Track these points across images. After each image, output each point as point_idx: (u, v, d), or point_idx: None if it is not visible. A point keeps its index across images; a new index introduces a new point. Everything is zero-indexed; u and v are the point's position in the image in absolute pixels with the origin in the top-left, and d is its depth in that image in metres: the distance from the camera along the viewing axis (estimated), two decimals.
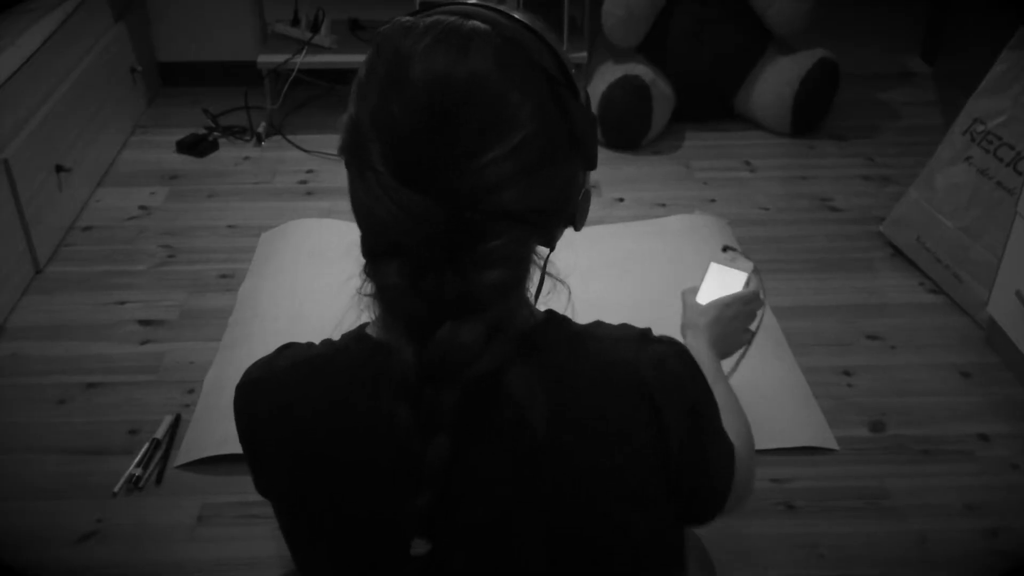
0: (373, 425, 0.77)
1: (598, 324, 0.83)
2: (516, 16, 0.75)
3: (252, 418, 0.84)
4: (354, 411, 0.78)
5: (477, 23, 0.72)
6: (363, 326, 0.83)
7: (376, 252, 0.75)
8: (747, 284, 1.54)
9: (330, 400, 0.80)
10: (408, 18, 0.75)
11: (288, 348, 0.87)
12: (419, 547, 0.74)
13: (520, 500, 0.77)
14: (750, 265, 1.57)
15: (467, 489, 0.76)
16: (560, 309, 0.84)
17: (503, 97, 0.71)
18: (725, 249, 1.61)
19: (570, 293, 0.83)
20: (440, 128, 0.70)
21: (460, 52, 0.70)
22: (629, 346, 0.80)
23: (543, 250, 0.80)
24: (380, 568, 0.81)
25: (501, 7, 0.75)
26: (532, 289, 0.81)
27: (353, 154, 0.75)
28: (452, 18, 0.73)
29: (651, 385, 0.78)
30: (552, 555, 0.79)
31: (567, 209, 0.79)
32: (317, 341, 0.87)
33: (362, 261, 0.79)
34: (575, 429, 0.77)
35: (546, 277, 0.80)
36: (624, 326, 0.84)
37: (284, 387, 0.82)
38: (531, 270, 0.79)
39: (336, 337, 0.85)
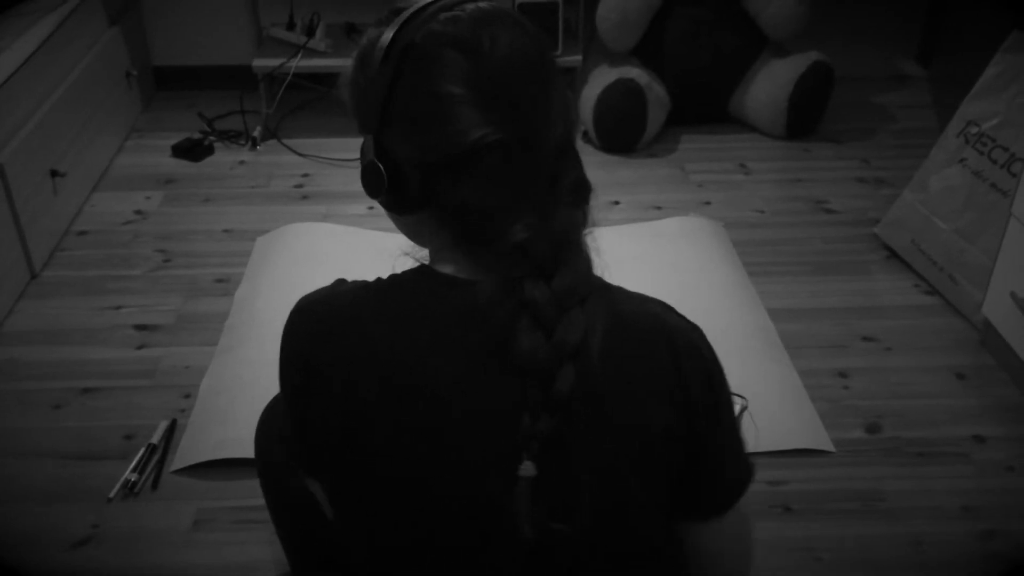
0: (487, 354, 0.82)
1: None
2: None
3: (319, 334, 0.85)
4: (459, 339, 0.83)
5: (500, 6, 0.85)
6: (421, 267, 0.87)
7: (491, 226, 0.81)
8: (742, 413, 1.68)
9: (423, 325, 0.84)
10: (446, 13, 0.83)
11: (342, 281, 0.90)
12: (528, 469, 0.79)
13: (585, 422, 0.82)
14: (744, 401, 1.70)
15: (567, 416, 0.81)
16: None
17: (553, 61, 0.86)
18: None
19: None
20: (539, 92, 0.83)
21: (523, 29, 0.84)
22: (655, 305, 0.90)
23: None
24: (474, 491, 0.83)
25: None
26: None
27: (465, 145, 0.80)
28: (483, 3, 0.85)
29: (676, 342, 0.87)
30: (600, 485, 0.84)
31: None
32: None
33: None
34: (619, 358, 0.84)
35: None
36: (646, 295, 0.92)
37: (364, 304, 0.86)
38: None
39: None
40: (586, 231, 0.85)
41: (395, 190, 0.85)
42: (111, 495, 1.65)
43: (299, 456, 0.96)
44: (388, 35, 0.83)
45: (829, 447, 1.75)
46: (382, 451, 0.84)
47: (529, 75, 0.83)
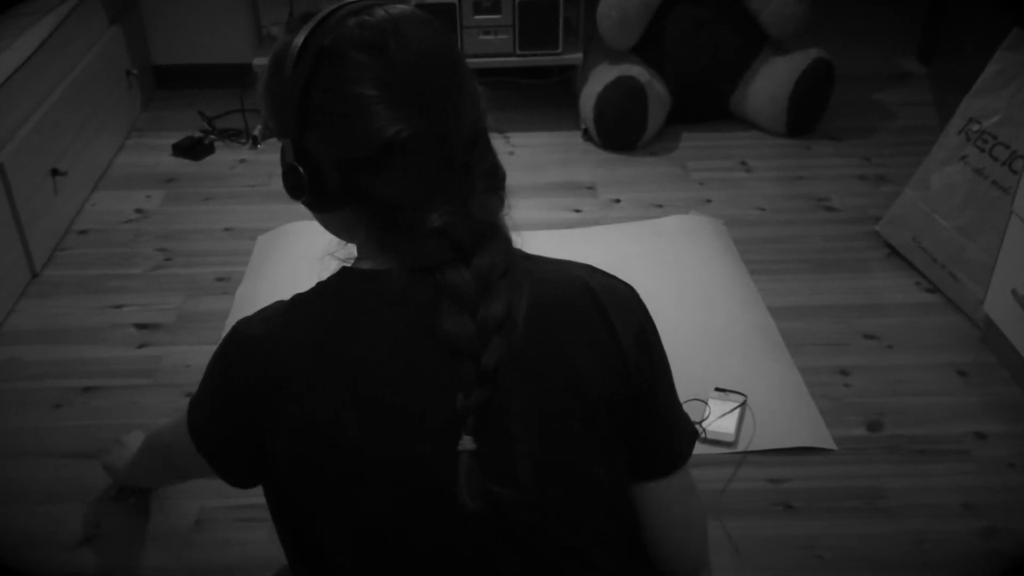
0: (412, 336, 0.85)
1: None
2: None
3: (258, 373, 0.87)
4: (385, 327, 0.86)
5: (401, 6, 0.90)
6: (342, 269, 0.92)
7: (410, 215, 0.86)
8: (743, 409, 1.77)
9: (358, 319, 0.87)
10: (355, 17, 0.88)
11: (280, 301, 0.95)
12: (467, 443, 0.82)
13: (519, 391, 0.86)
14: (742, 397, 1.78)
15: (499, 385, 0.85)
16: None
17: (460, 52, 0.91)
18: (718, 389, 1.81)
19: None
20: (447, 88, 0.87)
21: (431, 24, 0.89)
22: (580, 269, 0.94)
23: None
24: (422, 468, 0.85)
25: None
26: None
27: (384, 140, 0.84)
28: (389, 6, 0.89)
29: (600, 298, 0.91)
30: (541, 447, 0.87)
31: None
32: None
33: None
34: (546, 325, 0.88)
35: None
36: (576, 261, 0.97)
37: (294, 325, 0.90)
38: None
39: None
40: (503, 212, 0.90)
41: (315, 190, 0.89)
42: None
43: (234, 475, 0.96)
44: (299, 40, 0.88)
45: (830, 445, 1.75)
46: (330, 450, 0.86)
47: (437, 72, 0.86)
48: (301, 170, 0.88)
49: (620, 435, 0.92)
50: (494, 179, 0.90)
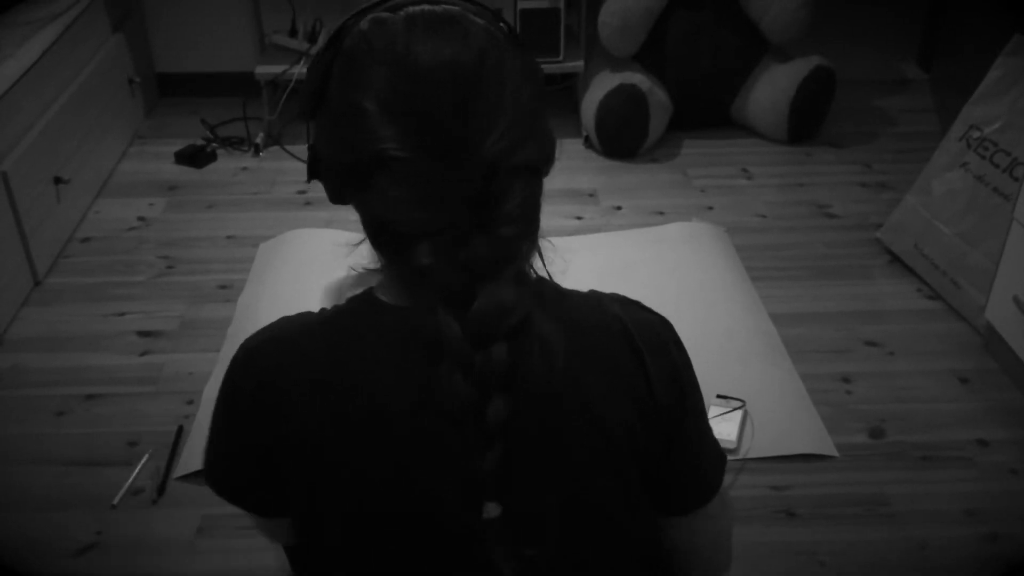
0: (421, 395, 0.77)
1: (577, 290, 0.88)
2: None
3: (266, 384, 0.81)
4: (391, 376, 0.79)
5: (450, 7, 0.78)
6: (369, 290, 0.83)
7: (400, 240, 0.76)
8: (744, 416, 1.77)
9: (361, 362, 0.80)
10: (382, 13, 0.78)
11: (288, 317, 0.86)
12: (491, 510, 0.75)
13: (545, 445, 0.80)
14: (741, 402, 1.79)
15: (520, 443, 0.77)
16: None
17: (501, 69, 0.76)
18: (719, 396, 1.82)
19: (542, 258, 0.86)
20: (460, 106, 0.74)
21: (460, 35, 0.76)
22: (615, 305, 0.86)
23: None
24: (442, 540, 0.80)
25: None
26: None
27: (370, 152, 0.75)
28: (425, 7, 0.78)
29: (636, 341, 0.83)
30: (567, 502, 0.81)
31: (553, 155, 0.83)
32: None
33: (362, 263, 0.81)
34: (579, 372, 0.81)
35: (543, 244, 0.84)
36: (610, 294, 0.89)
37: (301, 346, 0.82)
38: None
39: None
40: (522, 263, 0.78)
41: (324, 180, 0.83)
42: (115, 502, 1.65)
43: (256, 504, 0.94)
44: (338, 24, 0.80)
45: (832, 452, 1.75)
46: (347, 489, 0.81)
47: (447, 88, 0.74)
48: (314, 155, 0.82)
49: (650, 477, 0.87)
50: (517, 223, 0.76)
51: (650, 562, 0.92)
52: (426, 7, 0.77)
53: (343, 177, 0.80)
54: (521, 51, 0.80)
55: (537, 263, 0.83)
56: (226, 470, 0.91)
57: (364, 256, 0.84)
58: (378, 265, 0.83)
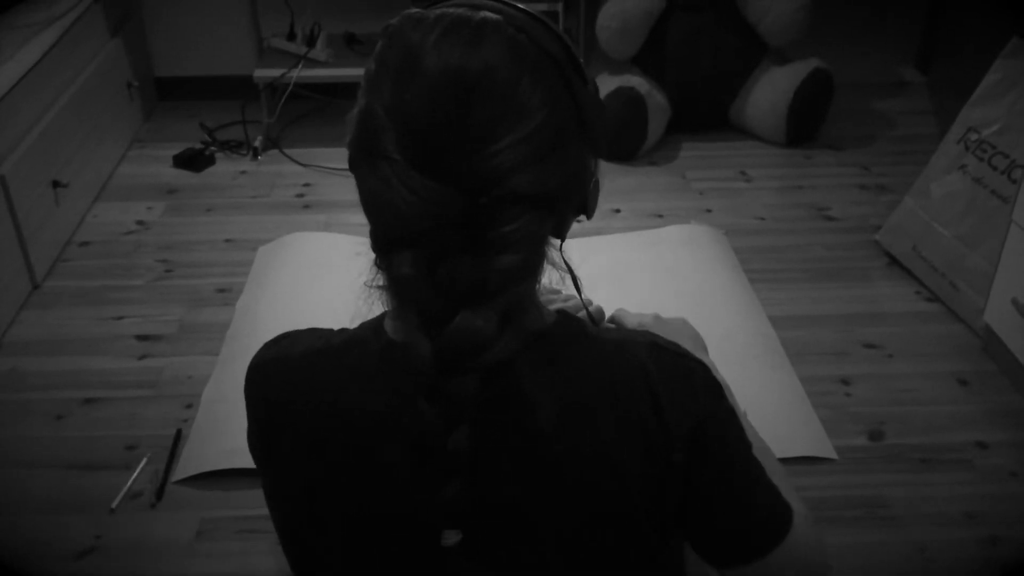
0: (393, 420, 0.78)
1: (612, 328, 0.85)
2: (522, 7, 0.76)
3: (267, 401, 0.84)
4: (373, 405, 0.79)
5: (487, 13, 0.73)
6: (382, 316, 0.83)
7: (388, 243, 0.74)
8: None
9: (347, 393, 0.80)
10: (418, 10, 0.76)
11: (301, 334, 0.87)
12: (450, 538, 0.74)
13: (533, 492, 0.78)
14: (741, 407, 1.60)
15: (488, 478, 0.76)
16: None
17: (515, 84, 0.71)
18: None
19: (578, 285, 0.85)
20: (456, 116, 0.70)
21: (472, 42, 0.72)
22: (641, 350, 0.81)
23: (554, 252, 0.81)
24: (405, 562, 0.81)
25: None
26: (542, 286, 0.81)
27: (365, 145, 0.74)
28: (461, 9, 0.74)
29: (658, 391, 0.79)
30: (563, 551, 0.80)
31: (577, 195, 0.79)
32: None
33: (363, 266, 0.80)
34: (581, 429, 0.77)
35: (558, 269, 0.81)
36: (641, 331, 0.85)
37: (300, 373, 0.83)
38: (543, 266, 0.79)
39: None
40: (511, 299, 0.72)
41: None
42: (113, 506, 1.65)
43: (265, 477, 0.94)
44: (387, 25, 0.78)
45: (832, 454, 1.75)
46: (331, 517, 0.82)
47: (449, 95, 0.70)
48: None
49: (689, 528, 0.85)
50: (509, 255, 0.71)
51: None
52: (463, 10, 0.74)
53: (355, 164, 0.77)
54: (569, 78, 0.75)
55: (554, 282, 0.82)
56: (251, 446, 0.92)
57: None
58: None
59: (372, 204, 0.75)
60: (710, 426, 0.81)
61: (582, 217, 0.82)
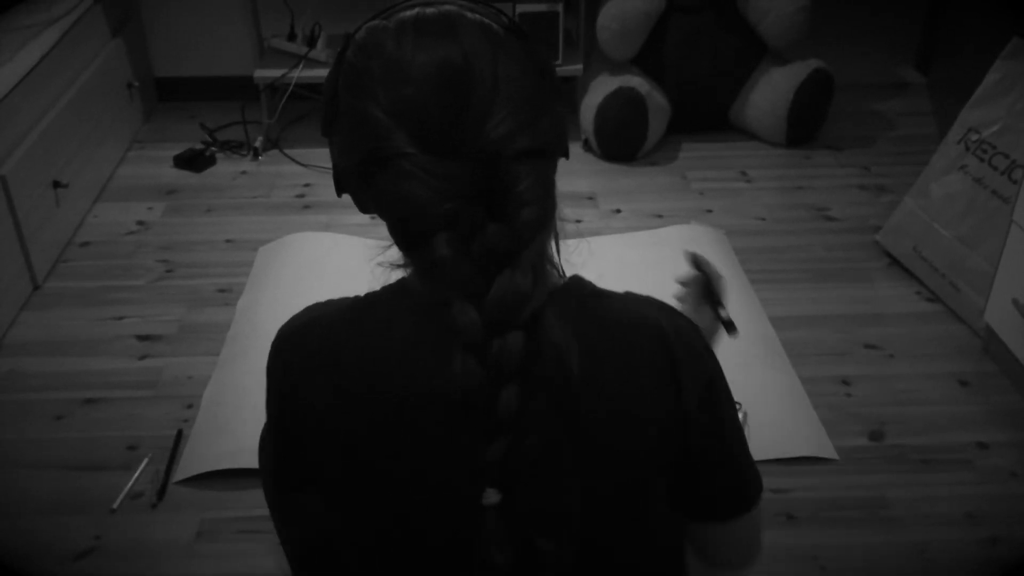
0: (433, 383, 0.80)
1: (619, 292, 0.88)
2: None
3: (301, 363, 0.85)
4: (414, 365, 0.81)
5: (443, 7, 0.81)
6: (401, 280, 0.85)
7: (419, 234, 0.78)
8: (743, 418, 1.68)
9: (387, 351, 0.82)
10: (375, 21, 0.82)
11: (325, 303, 0.89)
12: (491, 497, 0.76)
13: (564, 443, 0.81)
14: (743, 408, 1.69)
15: (527, 433, 0.78)
16: None
17: (495, 62, 0.79)
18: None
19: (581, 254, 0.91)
20: (458, 100, 0.77)
21: (448, 35, 0.79)
22: (652, 308, 0.86)
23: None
24: (440, 519, 0.83)
25: None
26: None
27: (372, 153, 0.79)
28: (417, 10, 0.81)
29: (673, 347, 0.83)
30: (588, 499, 0.82)
31: (562, 141, 0.86)
32: None
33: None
34: (605, 374, 0.81)
35: (565, 238, 0.88)
36: (647, 296, 0.89)
37: (335, 332, 0.85)
38: (555, 221, 0.86)
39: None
40: (539, 249, 0.80)
41: (350, 191, 0.86)
42: (114, 506, 1.65)
43: (284, 482, 0.96)
44: (352, 33, 0.84)
45: (832, 455, 1.75)
46: (360, 479, 0.84)
47: (442, 84, 0.77)
48: (337, 170, 0.86)
49: (683, 484, 0.89)
50: (530, 207, 0.79)
51: (669, 563, 0.93)
52: (419, 9, 0.80)
53: (359, 181, 0.82)
54: (522, 42, 0.82)
55: (562, 256, 0.86)
56: (266, 446, 0.95)
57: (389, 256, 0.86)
58: (402, 262, 0.85)
59: (394, 202, 0.80)
60: (716, 384, 0.87)
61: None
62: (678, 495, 0.90)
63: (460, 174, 0.77)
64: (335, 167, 0.86)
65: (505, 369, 0.75)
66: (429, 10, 0.80)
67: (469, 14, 0.81)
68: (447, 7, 0.81)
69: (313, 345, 0.85)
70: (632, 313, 0.85)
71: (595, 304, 0.85)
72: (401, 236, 0.82)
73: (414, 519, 0.84)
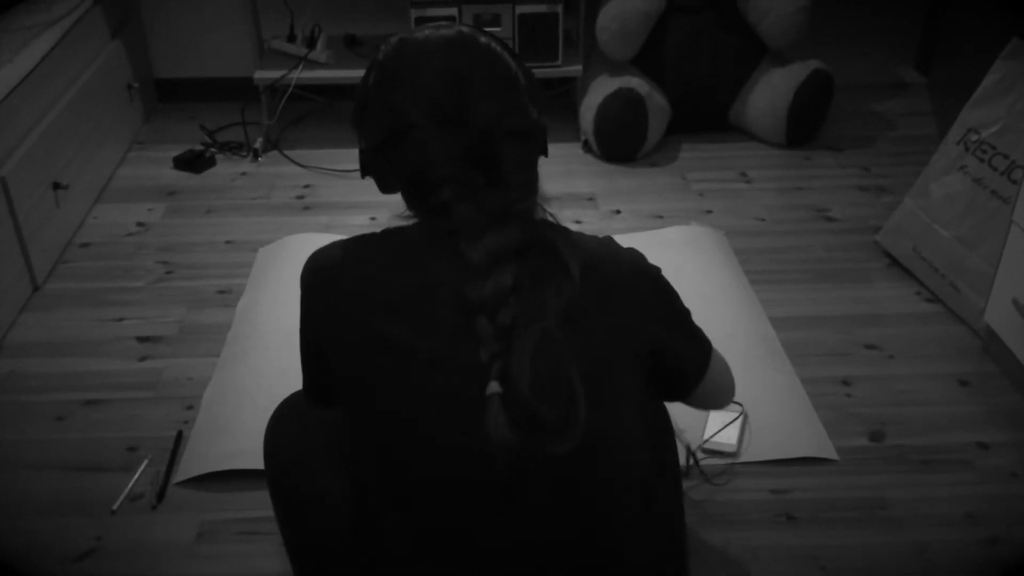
0: (445, 274, 1.00)
1: None
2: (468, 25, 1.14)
3: (330, 276, 1.05)
4: (426, 267, 1.02)
5: (460, 27, 1.07)
6: (414, 225, 1.06)
7: (427, 190, 1.02)
8: (744, 419, 1.77)
9: (405, 260, 1.03)
10: (404, 34, 1.07)
11: (337, 241, 1.09)
12: (493, 387, 0.95)
13: (563, 335, 0.99)
14: (742, 408, 1.79)
15: (528, 338, 0.97)
16: None
17: (492, 66, 1.05)
18: None
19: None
20: (458, 88, 1.02)
21: (459, 45, 1.05)
22: (607, 240, 1.11)
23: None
24: (451, 421, 1.00)
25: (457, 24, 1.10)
26: None
27: (395, 127, 1.03)
28: (443, 30, 1.07)
29: (629, 265, 1.09)
30: (587, 386, 1.00)
31: (541, 136, 1.08)
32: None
33: None
34: (596, 285, 1.04)
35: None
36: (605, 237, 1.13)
37: (356, 247, 1.06)
38: (539, 188, 1.09)
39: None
40: (525, 209, 1.05)
41: (374, 172, 1.09)
42: (114, 507, 1.65)
43: (315, 397, 1.18)
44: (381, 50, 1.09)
45: (832, 455, 1.75)
46: (377, 388, 1.02)
47: (450, 75, 1.03)
48: (364, 156, 1.09)
49: (661, 371, 1.14)
50: (517, 175, 1.04)
51: (646, 449, 1.16)
52: (443, 31, 1.06)
53: (382, 158, 1.05)
54: (515, 58, 1.08)
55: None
56: (307, 369, 1.16)
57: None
58: (405, 215, 1.07)
59: (408, 166, 1.04)
60: (660, 283, 1.13)
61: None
62: (660, 383, 1.16)
63: (462, 142, 1.01)
64: (361, 153, 1.08)
65: (502, 289, 0.97)
66: (446, 31, 1.06)
67: (478, 36, 1.06)
68: (462, 28, 1.07)
69: (340, 256, 1.05)
70: (596, 243, 1.10)
71: (577, 237, 1.08)
72: (415, 190, 1.04)
73: (423, 423, 1.00)
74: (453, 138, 1.01)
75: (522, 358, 0.96)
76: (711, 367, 1.21)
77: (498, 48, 1.07)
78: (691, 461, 1.69)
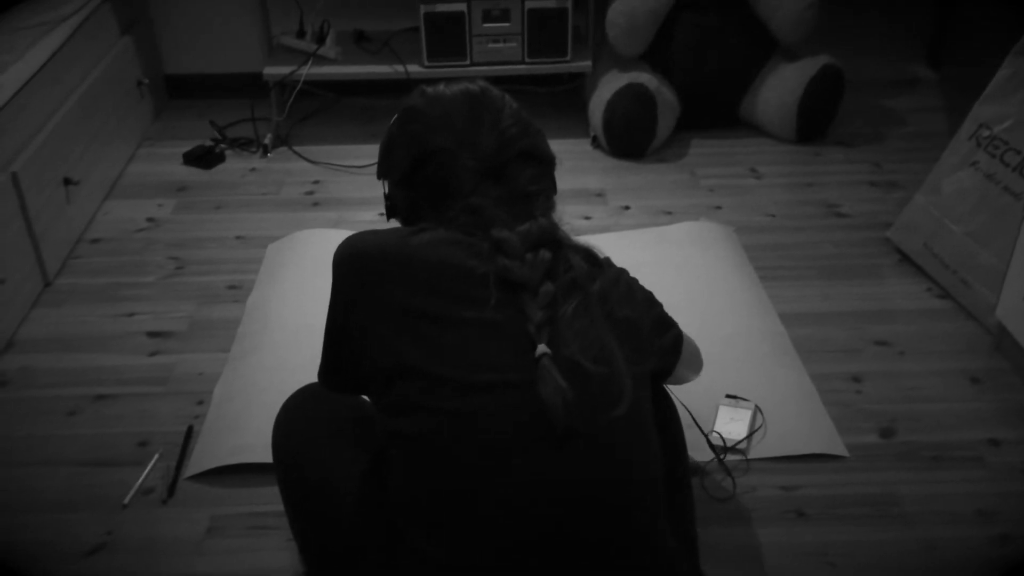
0: (485, 281, 1.10)
1: None
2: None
3: (367, 255, 1.14)
4: (468, 268, 1.11)
5: (480, 81, 1.25)
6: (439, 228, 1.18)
7: (457, 195, 1.16)
8: (754, 416, 1.78)
9: (442, 252, 1.11)
10: (427, 88, 1.25)
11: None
12: (543, 348, 1.07)
13: (601, 315, 1.14)
14: (753, 404, 1.80)
15: (569, 307, 1.12)
16: None
17: (502, 106, 1.22)
18: (728, 396, 1.83)
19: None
20: (473, 115, 1.19)
21: (478, 85, 1.24)
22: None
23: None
24: (502, 373, 1.08)
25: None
26: None
27: (419, 154, 1.19)
28: (462, 85, 1.25)
29: (625, 273, 1.26)
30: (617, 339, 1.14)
31: (551, 167, 1.25)
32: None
33: None
34: (609, 278, 1.19)
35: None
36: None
37: (388, 235, 1.14)
38: (554, 205, 1.25)
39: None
40: (542, 209, 1.20)
41: (400, 214, 1.26)
42: (125, 502, 1.66)
43: (334, 382, 1.24)
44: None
45: (843, 452, 1.74)
46: (418, 355, 1.07)
47: (467, 110, 1.20)
48: (390, 200, 1.27)
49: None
50: (532, 184, 1.19)
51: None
52: (463, 85, 1.22)
53: (410, 178, 1.20)
54: (522, 111, 1.23)
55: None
56: (334, 355, 1.23)
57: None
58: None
59: (434, 183, 1.18)
60: (633, 284, 1.27)
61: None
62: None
63: (482, 159, 1.16)
64: (388, 197, 1.26)
65: (540, 269, 1.10)
66: (471, 86, 1.23)
67: (492, 89, 1.23)
68: (482, 81, 1.24)
69: (377, 249, 1.13)
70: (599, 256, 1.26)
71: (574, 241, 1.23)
72: (440, 204, 1.17)
73: (471, 397, 1.06)
74: (473, 156, 1.16)
75: (567, 326, 1.09)
76: (683, 351, 1.35)
77: (508, 96, 1.23)
78: (719, 455, 1.69)
